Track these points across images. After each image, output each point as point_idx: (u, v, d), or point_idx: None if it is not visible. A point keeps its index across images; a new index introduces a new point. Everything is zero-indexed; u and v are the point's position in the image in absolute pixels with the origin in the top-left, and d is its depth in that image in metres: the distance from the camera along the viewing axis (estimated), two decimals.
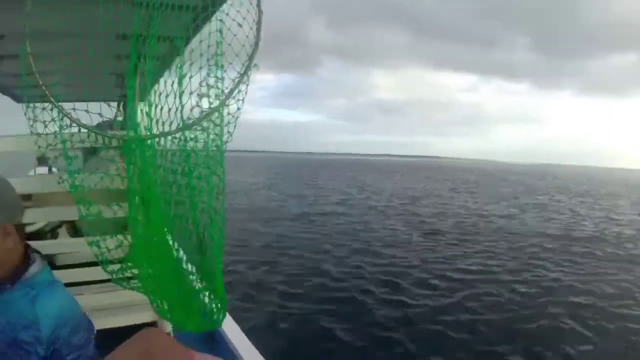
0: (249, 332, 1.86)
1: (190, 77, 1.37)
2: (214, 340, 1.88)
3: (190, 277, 1.33)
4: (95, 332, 1.05)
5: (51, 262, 2.73)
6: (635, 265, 8.16)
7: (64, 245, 2.39)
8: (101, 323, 2.03)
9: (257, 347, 1.75)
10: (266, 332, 4.47)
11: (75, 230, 2.73)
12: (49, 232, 2.88)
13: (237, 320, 1.95)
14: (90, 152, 1.96)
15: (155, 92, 1.52)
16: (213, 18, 1.37)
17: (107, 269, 1.53)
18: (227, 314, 1.99)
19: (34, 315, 0.92)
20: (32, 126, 1.36)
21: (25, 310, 0.92)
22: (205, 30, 1.39)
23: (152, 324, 1.86)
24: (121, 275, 1.52)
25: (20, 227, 1.00)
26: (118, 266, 1.52)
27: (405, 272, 7.00)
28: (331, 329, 4.75)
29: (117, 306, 1.89)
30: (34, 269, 0.99)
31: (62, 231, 2.96)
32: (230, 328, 1.83)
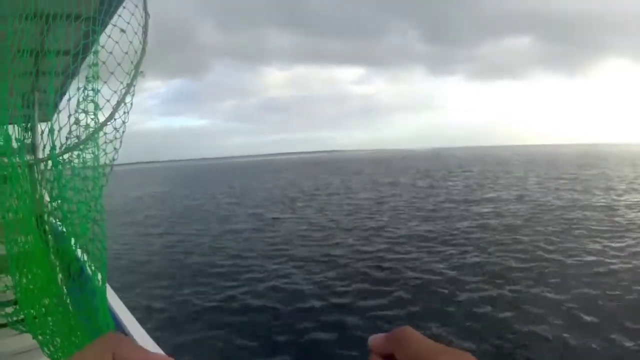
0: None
1: (57, 92, 1.23)
2: None
3: (76, 315, 1.18)
4: None
5: None
6: None
7: None
8: None
9: None
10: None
11: None
12: None
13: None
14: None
15: (34, 112, 1.37)
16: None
17: (2, 313, 1.38)
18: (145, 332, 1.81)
19: None
20: None
21: None
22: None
23: None
24: (15, 319, 1.36)
25: None
26: (11, 309, 1.36)
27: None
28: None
29: (27, 349, 1.71)
30: None
31: None
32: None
